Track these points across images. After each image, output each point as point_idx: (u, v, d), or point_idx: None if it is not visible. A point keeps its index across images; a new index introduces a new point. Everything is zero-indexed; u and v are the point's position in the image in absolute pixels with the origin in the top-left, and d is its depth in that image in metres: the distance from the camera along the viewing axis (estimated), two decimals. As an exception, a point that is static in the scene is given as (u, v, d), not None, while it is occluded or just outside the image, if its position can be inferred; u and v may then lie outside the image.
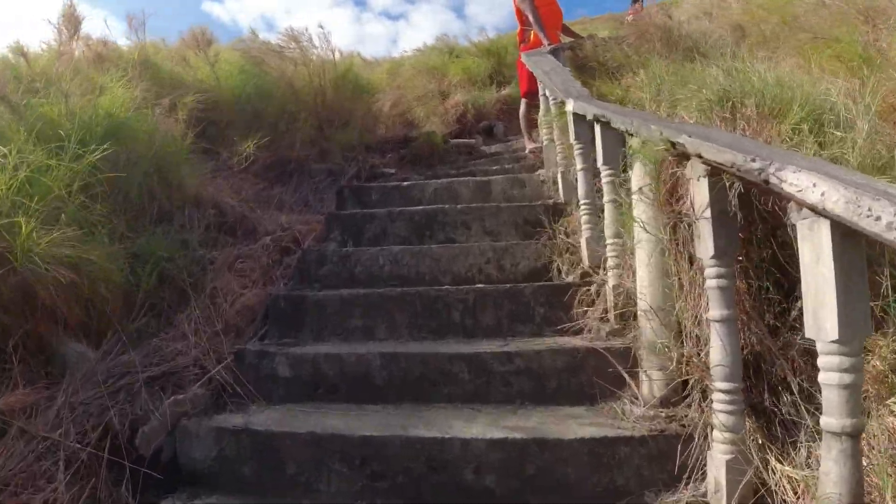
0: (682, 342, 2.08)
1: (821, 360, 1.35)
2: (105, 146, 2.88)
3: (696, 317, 1.99)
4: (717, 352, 1.76)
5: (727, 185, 1.64)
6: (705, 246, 1.75)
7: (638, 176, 2.18)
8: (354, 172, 5.24)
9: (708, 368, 1.95)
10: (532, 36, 4.88)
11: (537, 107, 5.00)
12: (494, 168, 4.70)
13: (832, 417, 1.33)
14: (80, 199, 2.77)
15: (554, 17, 4.99)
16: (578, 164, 3.14)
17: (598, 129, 2.65)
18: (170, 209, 3.57)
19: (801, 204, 1.31)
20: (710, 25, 4.46)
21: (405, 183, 4.32)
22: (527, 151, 4.98)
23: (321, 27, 7.98)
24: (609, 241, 2.64)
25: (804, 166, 1.32)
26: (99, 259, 2.57)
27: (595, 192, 3.17)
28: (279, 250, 3.63)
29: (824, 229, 1.27)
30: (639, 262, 2.21)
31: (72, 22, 5.03)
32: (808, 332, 1.36)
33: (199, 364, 2.59)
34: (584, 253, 3.07)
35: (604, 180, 2.66)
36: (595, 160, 3.24)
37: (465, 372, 2.41)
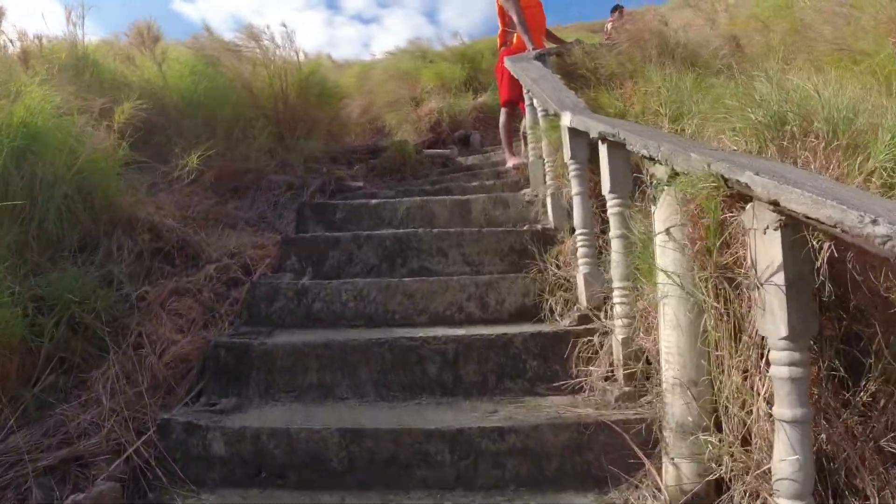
0: (722, 428, 1.65)
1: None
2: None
3: (746, 402, 1.56)
4: (784, 462, 1.32)
5: (813, 245, 1.21)
6: (773, 322, 1.31)
7: (665, 213, 1.74)
8: (318, 186, 4.72)
9: (758, 467, 1.52)
10: (515, 39, 4.45)
11: (519, 117, 4.57)
12: (473, 184, 4.25)
13: None
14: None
15: (538, 20, 4.57)
16: (575, 188, 2.71)
17: (603, 149, 2.21)
18: (96, 235, 3.02)
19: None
20: (710, 32, 4.09)
21: (374, 201, 3.83)
22: (508, 166, 4.54)
23: (284, 25, 7.41)
24: (617, 284, 2.20)
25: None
26: (-14, 307, 2.04)
27: (593, 219, 2.75)
28: (225, 282, 3.11)
29: None
30: (664, 320, 1.78)
31: (-8, 13, 4.41)
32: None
33: (113, 440, 2.07)
34: (582, 292, 2.63)
35: (611, 210, 2.22)
36: (594, 184, 2.82)
37: (447, 452, 1.94)
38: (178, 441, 2.07)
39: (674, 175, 1.70)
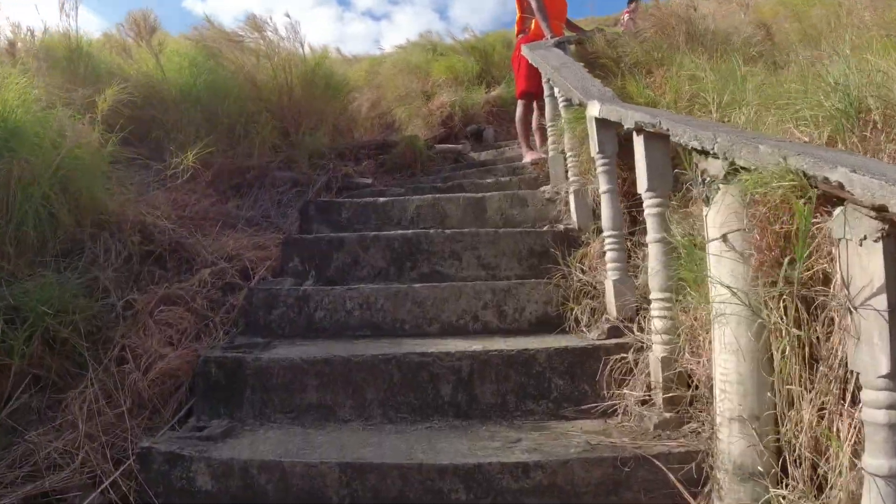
0: (789, 473, 1.39)
1: None
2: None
3: (822, 445, 1.29)
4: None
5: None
6: (870, 355, 1.05)
7: (722, 217, 1.48)
8: (324, 183, 4.48)
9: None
10: (533, 25, 4.17)
11: (538, 109, 4.31)
12: (488, 181, 3.97)
13: None
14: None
15: (559, 7, 4.28)
16: (603, 185, 2.44)
17: (640, 141, 1.94)
18: (81, 238, 2.79)
19: None
20: (743, 18, 3.80)
21: (382, 199, 3.57)
22: (525, 161, 4.27)
23: (288, 16, 7.18)
24: (656, 295, 1.94)
25: None
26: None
27: (623, 220, 2.49)
28: (221, 287, 2.87)
29: None
30: (719, 342, 1.51)
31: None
32: None
33: (88, 471, 1.84)
34: (611, 301, 2.38)
35: (648, 211, 1.96)
36: (621, 181, 2.57)
37: (462, 491, 1.69)
38: (159, 472, 1.83)
39: (732, 171, 1.44)
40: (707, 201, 1.57)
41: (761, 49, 3.60)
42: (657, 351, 1.93)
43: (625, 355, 2.08)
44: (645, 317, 2.27)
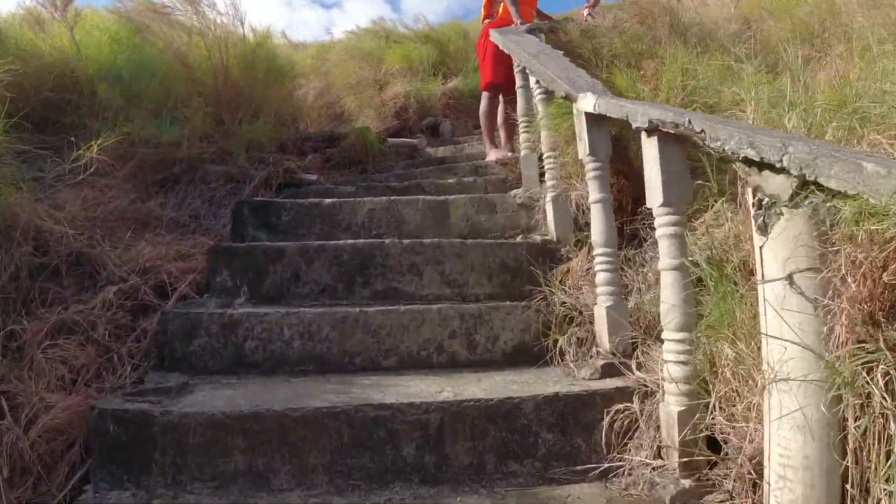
0: None
1: None
2: None
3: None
4: None
5: None
6: None
7: (786, 250, 1.12)
8: (263, 179, 3.96)
9: None
10: (501, 10, 3.77)
11: (505, 102, 3.93)
12: (450, 181, 3.56)
13: None
14: None
15: (530, -7, 3.90)
16: (594, 193, 2.08)
17: (652, 144, 1.58)
18: (-48, 250, 2.24)
19: None
20: (733, 12, 3.51)
21: (329, 200, 3.10)
22: (489, 160, 3.87)
23: (226, -11, 6.56)
24: (672, 335, 1.57)
25: None
26: None
27: (616, 234, 2.13)
28: (131, 309, 2.36)
29: None
30: (776, 411, 1.15)
31: None
32: None
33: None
34: (603, 331, 2.01)
35: (663, 230, 1.59)
36: (611, 187, 2.21)
37: None
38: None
39: (802, 191, 1.08)
40: (764, 229, 1.20)
41: (751, 46, 3.32)
42: (671, 403, 1.57)
43: (629, 404, 1.71)
44: (645, 351, 1.92)
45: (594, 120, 2.02)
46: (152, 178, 3.70)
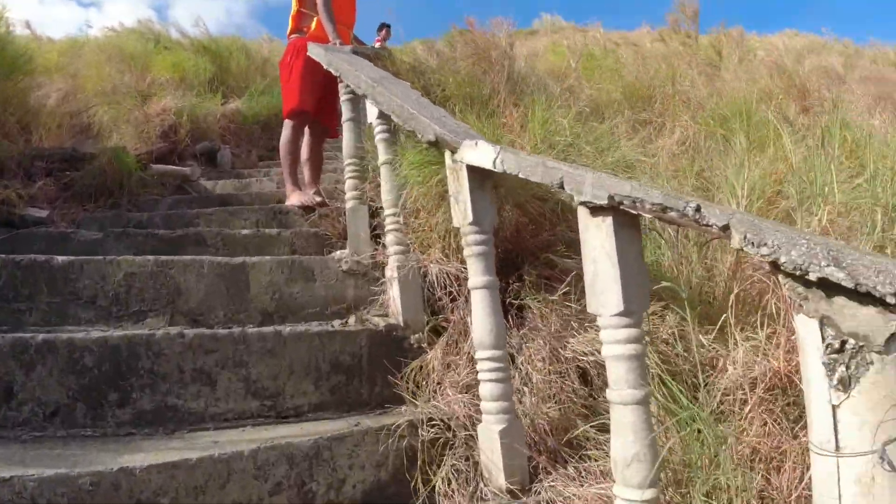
0: None
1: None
2: None
3: None
4: None
5: None
6: None
7: (878, 412, 0.66)
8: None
9: None
10: (314, 25, 3.09)
11: (317, 135, 3.24)
12: (244, 232, 2.67)
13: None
14: None
15: (347, 12, 3.28)
16: (477, 275, 1.53)
17: (607, 228, 1.07)
18: None
19: None
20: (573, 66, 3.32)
21: (62, 259, 2.03)
22: (290, 204, 3.09)
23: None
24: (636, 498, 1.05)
25: None
26: None
27: (505, 331, 1.60)
28: None
29: None
30: None
31: None
32: None
33: None
34: (495, 462, 1.46)
35: (611, 350, 1.08)
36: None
37: None
38: None
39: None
40: (846, 384, 0.74)
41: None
42: None
43: None
44: (546, 478, 1.40)
45: (480, 177, 1.48)
46: None
